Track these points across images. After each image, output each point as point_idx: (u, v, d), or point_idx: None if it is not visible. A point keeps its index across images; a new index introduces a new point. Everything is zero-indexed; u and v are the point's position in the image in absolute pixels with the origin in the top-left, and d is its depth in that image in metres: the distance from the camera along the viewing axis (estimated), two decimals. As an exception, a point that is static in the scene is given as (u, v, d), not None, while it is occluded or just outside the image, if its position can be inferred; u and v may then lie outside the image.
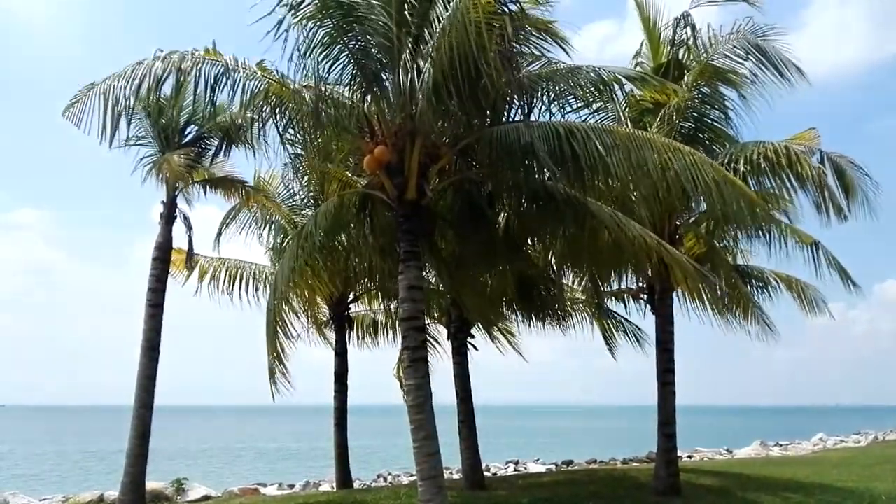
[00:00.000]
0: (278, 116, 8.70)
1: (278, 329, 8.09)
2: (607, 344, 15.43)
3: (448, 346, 14.05)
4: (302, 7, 7.70)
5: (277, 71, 8.36)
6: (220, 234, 13.41)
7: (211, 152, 11.75)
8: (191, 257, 12.56)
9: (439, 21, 7.21)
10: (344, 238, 10.00)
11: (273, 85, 8.39)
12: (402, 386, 15.15)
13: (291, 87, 8.33)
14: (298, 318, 13.51)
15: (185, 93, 10.32)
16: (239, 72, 8.28)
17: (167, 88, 8.81)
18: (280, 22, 7.47)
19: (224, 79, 8.22)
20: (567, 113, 9.20)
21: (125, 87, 7.99)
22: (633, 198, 9.60)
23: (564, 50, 8.34)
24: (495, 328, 14.81)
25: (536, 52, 8.67)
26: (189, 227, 11.91)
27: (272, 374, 8.19)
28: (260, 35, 7.45)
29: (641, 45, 12.32)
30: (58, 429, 69.55)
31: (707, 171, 7.71)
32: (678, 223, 11.46)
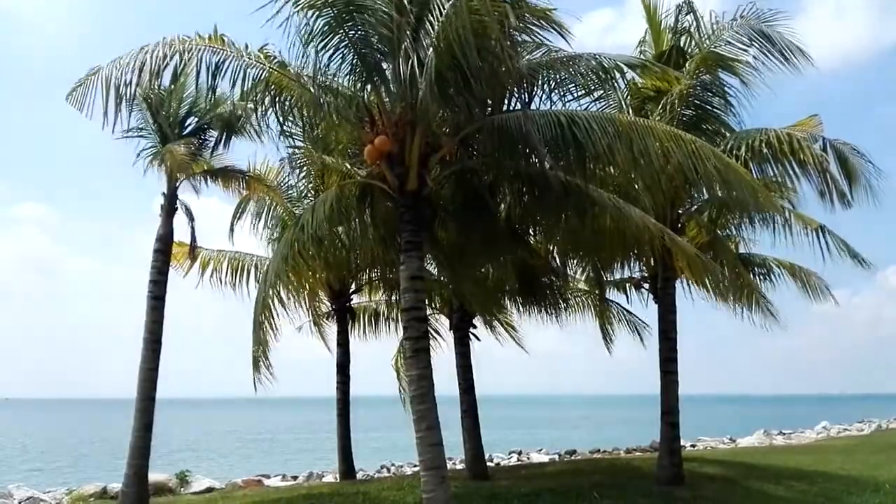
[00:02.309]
0: (278, 106, 8.64)
1: (264, 320, 8.04)
2: (604, 335, 15.40)
3: (450, 336, 14.06)
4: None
5: (280, 53, 8.31)
6: (232, 227, 13.47)
7: (211, 144, 11.71)
8: (193, 249, 12.52)
9: (440, 9, 7.14)
10: (344, 229, 9.95)
11: (273, 74, 8.34)
12: (398, 377, 15.21)
13: (291, 73, 8.28)
14: (295, 307, 13.43)
15: (186, 83, 10.27)
16: (241, 59, 8.23)
17: (168, 78, 8.75)
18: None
19: (225, 66, 8.17)
20: (568, 101, 9.09)
21: (127, 73, 7.94)
22: (636, 187, 9.56)
23: (564, 38, 8.20)
24: (497, 319, 14.78)
25: (536, 41, 8.59)
26: (191, 219, 11.88)
27: (256, 365, 8.15)
28: (262, 26, 7.43)
29: (645, 33, 12.25)
30: (61, 421, 69.87)
31: (709, 159, 7.67)
32: (680, 212, 11.42)
